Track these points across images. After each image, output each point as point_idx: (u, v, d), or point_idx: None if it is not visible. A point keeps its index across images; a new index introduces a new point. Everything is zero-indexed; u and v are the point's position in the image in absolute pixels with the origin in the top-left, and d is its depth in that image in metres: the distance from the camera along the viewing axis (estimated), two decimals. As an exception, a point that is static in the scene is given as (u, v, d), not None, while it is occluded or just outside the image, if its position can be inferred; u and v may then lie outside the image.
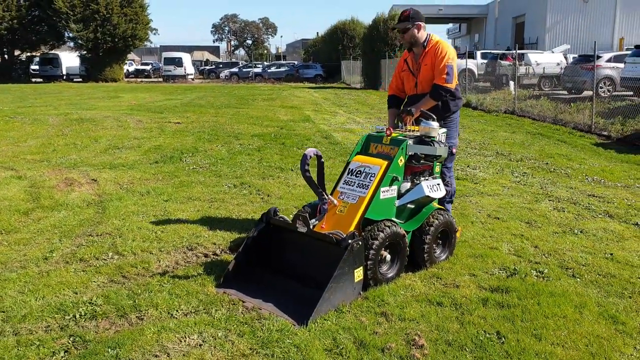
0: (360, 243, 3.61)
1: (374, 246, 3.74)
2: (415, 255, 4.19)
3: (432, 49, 4.70)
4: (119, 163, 8.32)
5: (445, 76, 4.60)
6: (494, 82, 22.27)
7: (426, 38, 4.75)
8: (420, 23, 4.71)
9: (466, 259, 4.50)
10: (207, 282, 3.92)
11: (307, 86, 36.90)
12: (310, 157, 3.88)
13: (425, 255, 4.21)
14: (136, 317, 3.47)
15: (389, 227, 3.87)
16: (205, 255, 4.53)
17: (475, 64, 25.41)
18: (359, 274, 3.66)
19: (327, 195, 4.04)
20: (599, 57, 15.90)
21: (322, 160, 4.05)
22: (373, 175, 4.06)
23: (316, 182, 4.00)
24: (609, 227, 5.50)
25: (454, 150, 4.86)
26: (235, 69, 51.50)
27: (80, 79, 41.74)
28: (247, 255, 4.02)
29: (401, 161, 4.14)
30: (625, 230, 5.39)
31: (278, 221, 4.05)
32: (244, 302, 3.67)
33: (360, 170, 4.15)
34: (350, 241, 3.54)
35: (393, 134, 4.30)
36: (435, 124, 4.30)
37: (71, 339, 3.20)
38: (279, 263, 4.08)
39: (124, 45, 40.62)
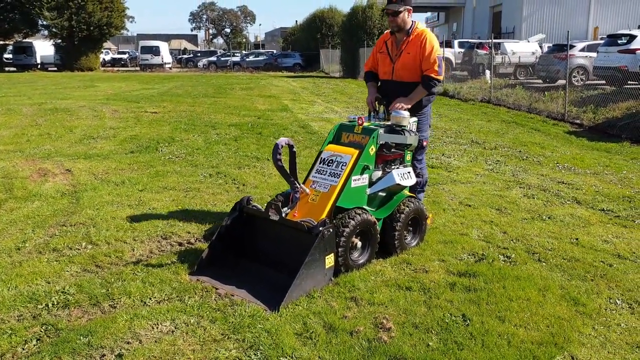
0: (331, 230, 3.68)
1: (344, 233, 3.81)
2: (386, 242, 4.28)
3: (417, 38, 4.68)
4: (94, 153, 8.26)
5: (437, 68, 4.64)
6: (470, 71, 22.47)
7: (411, 25, 4.73)
8: (410, 8, 4.69)
9: (436, 245, 4.60)
10: (181, 270, 3.96)
11: (286, 75, 36.77)
12: (282, 146, 3.92)
13: (395, 242, 4.30)
14: (109, 305, 3.50)
15: (359, 214, 3.94)
16: (180, 244, 4.56)
17: (453, 53, 25.54)
18: (329, 260, 3.73)
19: (299, 184, 4.09)
20: (572, 46, 16.10)
21: (294, 149, 4.10)
22: (344, 164, 4.12)
23: (288, 171, 4.05)
24: (576, 212, 5.65)
25: (425, 144, 4.92)
26: (213, 58, 51.01)
27: (55, 68, 40.98)
28: (221, 243, 4.06)
29: (372, 150, 4.20)
30: (591, 216, 5.55)
31: (251, 210, 4.10)
32: (217, 289, 3.72)
33: (332, 160, 4.20)
34: (321, 228, 3.60)
35: (365, 123, 4.36)
36: (406, 113, 4.37)
37: (43, 327, 3.22)
38: (253, 251, 4.14)
39: (99, 33, 39.93)
